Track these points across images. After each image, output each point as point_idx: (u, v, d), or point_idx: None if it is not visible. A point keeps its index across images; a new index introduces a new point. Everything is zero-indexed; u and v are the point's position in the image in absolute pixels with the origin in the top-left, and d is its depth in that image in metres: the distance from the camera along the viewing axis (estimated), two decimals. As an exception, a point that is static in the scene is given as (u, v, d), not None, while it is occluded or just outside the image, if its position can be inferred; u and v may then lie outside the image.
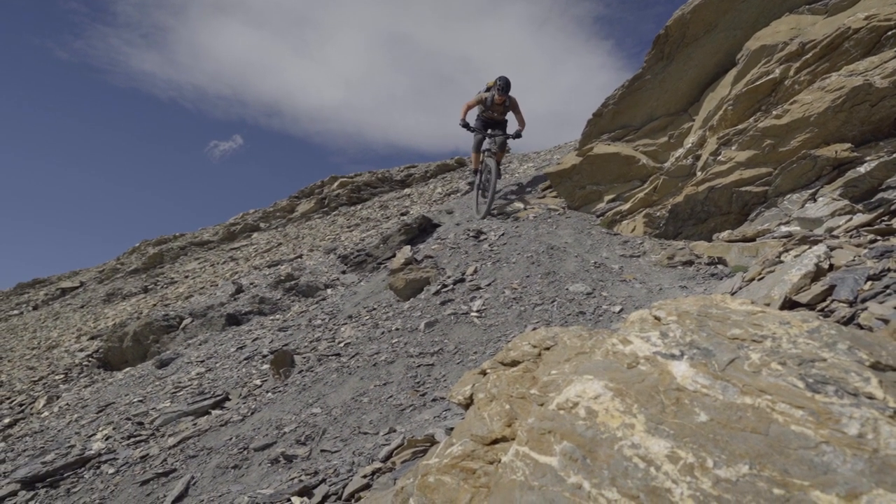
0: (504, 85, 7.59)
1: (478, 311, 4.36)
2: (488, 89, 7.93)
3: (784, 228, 4.25)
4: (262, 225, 19.01)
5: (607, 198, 6.51)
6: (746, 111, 5.12)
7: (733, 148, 5.09)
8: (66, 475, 3.74)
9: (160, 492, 3.30)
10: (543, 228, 6.01)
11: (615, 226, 6.16)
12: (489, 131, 7.86)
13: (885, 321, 1.53)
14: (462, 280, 5.03)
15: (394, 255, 6.24)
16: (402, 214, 10.22)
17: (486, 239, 5.89)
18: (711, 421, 1.14)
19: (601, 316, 3.91)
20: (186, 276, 14.26)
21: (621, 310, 3.92)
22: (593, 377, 1.38)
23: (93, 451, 3.97)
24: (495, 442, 1.55)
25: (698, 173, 5.54)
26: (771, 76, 4.90)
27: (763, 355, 1.23)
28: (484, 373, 1.90)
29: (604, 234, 5.87)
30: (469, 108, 7.88)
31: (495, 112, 7.87)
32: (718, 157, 5.23)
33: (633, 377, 1.31)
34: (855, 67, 4.37)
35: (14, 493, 3.66)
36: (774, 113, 4.75)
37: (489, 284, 4.82)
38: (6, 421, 5.80)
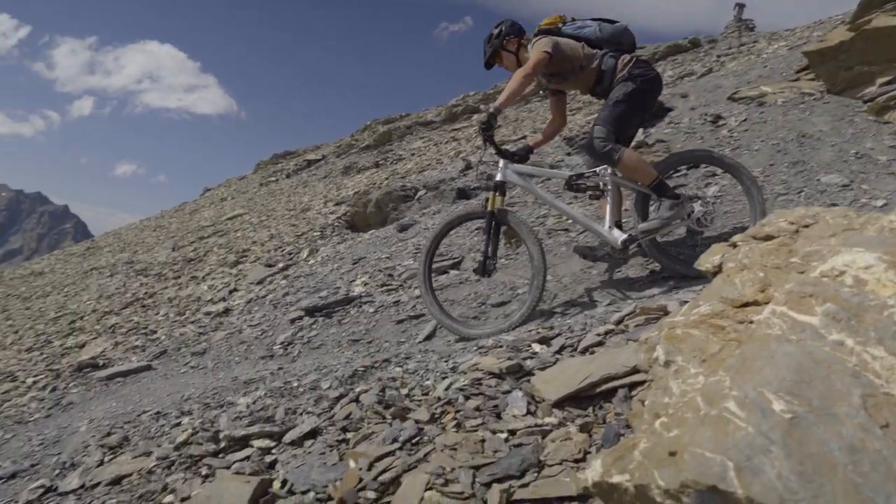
0: (488, 37, 3.95)
1: (712, 197, 4.24)
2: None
3: None
4: (482, 107, 19.38)
5: (881, 80, 5.64)
6: None
7: None
8: (336, 309, 4.57)
9: (413, 330, 3.93)
10: (794, 115, 5.45)
11: (887, 113, 5.37)
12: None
13: None
14: (696, 166, 4.86)
15: (622, 139, 6.14)
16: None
17: (724, 124, 5.54)
18: None
19: (859, 210, 3.59)
20: (413, 154, 15.19)
21: (885, 204, 3.55)
22: (864, 249, 1.39)
23: (355, 294, 4.77)
24: (745, 305, 1.63)
25: None
26: None
27: None
28: (734, 245, 1.95)
29: (871, 122, 5.17)
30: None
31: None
32: None
33: (913, 251, 1.30)
34: None
35: (300, 318, 4.59)
36: None
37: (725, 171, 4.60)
38: (281, 265, 7.04)
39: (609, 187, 3.61)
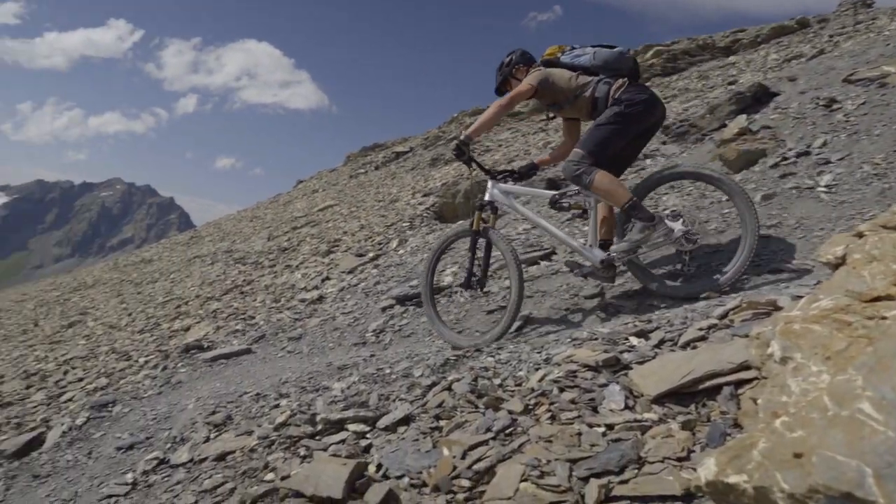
0: (499, 65, 4.14)
1: (826, 186, 3.94)
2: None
3: None
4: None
5: None
6: None
7: None
8: (427, 298, 4.60)
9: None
10: (921, 96, 4.99)
11: None
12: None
13: None
14: (807, 153, 4.53)
15: (723, 126, 5.84)
16: (730, 84, 9.31)
17: (840, 108, 5.14)
18: None
19: None
20: (500, 145, 15.10)
21: None
22: None
23: (445, 283, 4.79)
24: (876, 300, 1.50)
25: None
26: None
27: None
28: (860, 235, 1.80)
29: None
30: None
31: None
32: None
33: None
34: None
35: (391, 306, 4.67)
36: None
37: (841, 159, 4.27)
38: (371, 255, 7.19)
39: (592, 206, 3.60)
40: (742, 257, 3.21)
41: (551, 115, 4.04)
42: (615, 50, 3.70)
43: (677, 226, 3.32)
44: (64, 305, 12.58)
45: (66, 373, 6.17)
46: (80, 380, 5.69)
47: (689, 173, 3.58)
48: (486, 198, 3.89)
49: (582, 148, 3.50)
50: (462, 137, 3.76)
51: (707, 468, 1.15)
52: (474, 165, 3.91)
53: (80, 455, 3.49)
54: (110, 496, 2.69)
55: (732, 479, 1.08)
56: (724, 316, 2.55)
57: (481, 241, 3.86)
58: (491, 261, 3.96)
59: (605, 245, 3.62)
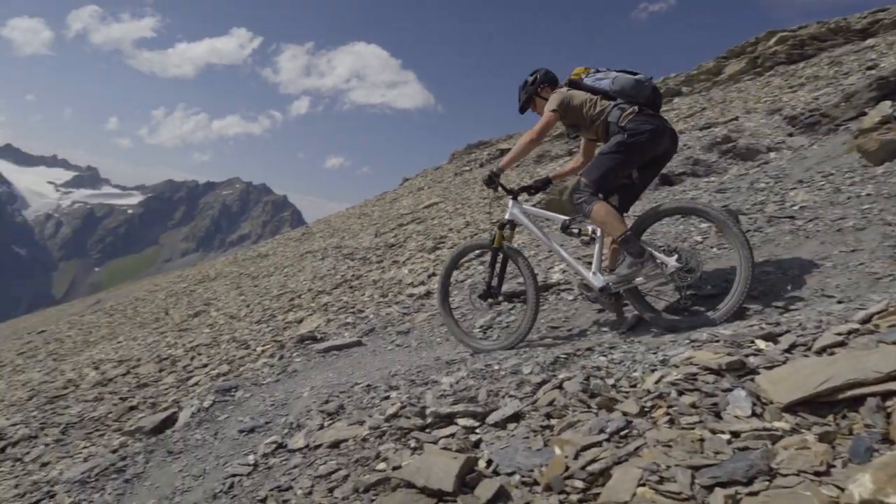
0: (523, 84, 4.22)
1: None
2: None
3: None
4: (684, 89, 18.15)
5: None
6: None
7: None
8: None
9: (614, 319, 3.78)
10: None
11: None
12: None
13: None
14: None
15: (861, 115, 5.36)
16: (869, 69, 8.53)
17: None
18: None
19: None
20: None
21: None
22: None
23: (553, 281, 4.72)
24: None
25: None
26: None
27: None
28: None
29: None
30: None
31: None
32: None
33: None
34: None
35: (498, 303, 4.64)
36: None
37: None
38: (477, 252, 7.19)
39: (599, 234, 3.65)
40: (737, 293, 3.18)
41: (572, 135, 4.07)
42: (633, 77, 3.70)
43: (671, 261, 3.34)
44: (190, 296, 13.57)
45: (192, 358, 6.64)
46: (205, 365, 6.10)
47: (682, 208, 3.59)
48: (507, 217, 4.07)
49: (585, 177, 3.61)
50: (495, 170, 3.94)
51: (862, 485, 1.05)
52: (500, 189, 4.07)
53: (207, 435, 3.73)
54: (234, 475, 2.84)
55: (894, 500, 0.97)
56: (866, 320, 2.34)
57: (500, 257, 4.07)
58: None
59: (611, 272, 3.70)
